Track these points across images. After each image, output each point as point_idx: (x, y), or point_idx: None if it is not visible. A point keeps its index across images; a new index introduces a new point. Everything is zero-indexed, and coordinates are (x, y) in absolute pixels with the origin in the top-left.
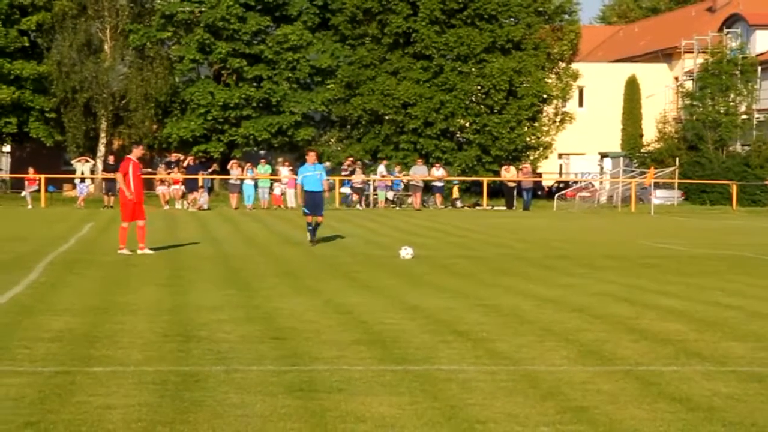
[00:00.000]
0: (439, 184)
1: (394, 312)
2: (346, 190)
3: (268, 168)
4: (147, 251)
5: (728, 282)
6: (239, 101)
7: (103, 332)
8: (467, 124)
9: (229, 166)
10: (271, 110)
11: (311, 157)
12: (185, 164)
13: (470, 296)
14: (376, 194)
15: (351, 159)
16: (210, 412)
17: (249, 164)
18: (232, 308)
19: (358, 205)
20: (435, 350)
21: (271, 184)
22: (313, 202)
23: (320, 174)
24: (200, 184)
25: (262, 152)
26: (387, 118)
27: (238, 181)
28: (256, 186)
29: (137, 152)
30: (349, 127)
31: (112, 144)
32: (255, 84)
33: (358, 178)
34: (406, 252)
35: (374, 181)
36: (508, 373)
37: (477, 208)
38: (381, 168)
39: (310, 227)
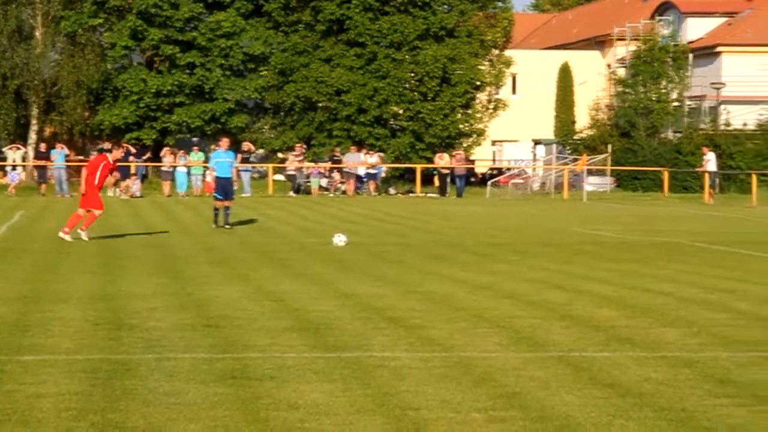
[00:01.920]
0: (373, 171)
1: (327, 299)
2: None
3: (201, 155)
4: (84, 237)
5: (660, 268)
6: (172, 88)
7: (34, 320)
8: (401, 111)
9: (162, 154)
10: (204, 97)
11: (224, 143)
12: (132, 152)
13: (403, 283)
14: (309, 181)
15: (299, 145)
16: (141, 400)
17: (182, 151)
18: (165, 296)
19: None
20: (368, 337)
21: (204, 171)
22: (223, 188)
23: (231, 161)
24: (133, 171)
25: (194, 139)
26: (320, 105)
27: (171, 169)
28: (189, 173)
29: (117, 154)
30: (282, 114)
31: (43, 131)
32: (188, 71)
33: (291, 165)
34: (339, 239)
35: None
36: (441, 359)
37: (410, 195)
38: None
39: (217, 212)
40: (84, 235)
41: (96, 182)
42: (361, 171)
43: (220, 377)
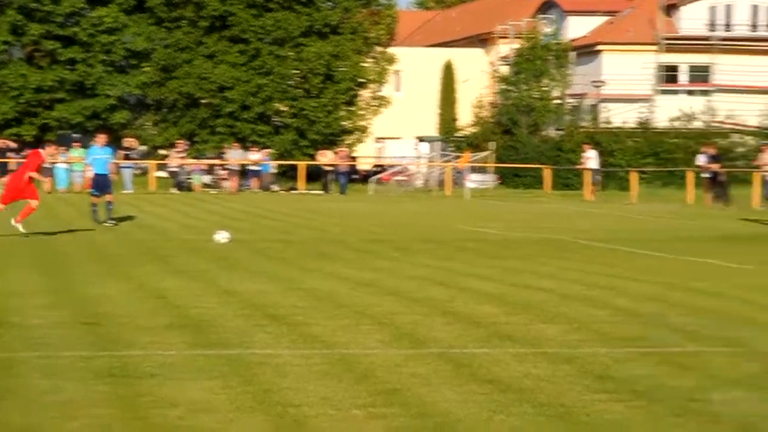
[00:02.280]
0: (256, 167)
1: (209, 296)
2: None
3: (81, 152)
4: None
5: (541, 265)
6: (53, 84)
7: None
8: (284, 108)
9: (45, 151)
10: (85, 93)
11: (101, 139)
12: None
13: (286, 280)
14: (191, 178)
15: (182, 141)
16: (21, 398)
17: (62, 148)
18: (45, 293)
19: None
20: (249, 334)
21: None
22: (100, 184)
23: (108, 158)
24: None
25: (75, 136)
26: (203, 101)
27: (51, 165)
28: (69, 170)
29: (49, 150)
30: (165, 110)
31: None
32: (69, 66)
33: (173, 161)
34: (222, 236)
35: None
36: (322, 356)
37: (293, 192)
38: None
39: (95, 208)
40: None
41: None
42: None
43: (100, 375)
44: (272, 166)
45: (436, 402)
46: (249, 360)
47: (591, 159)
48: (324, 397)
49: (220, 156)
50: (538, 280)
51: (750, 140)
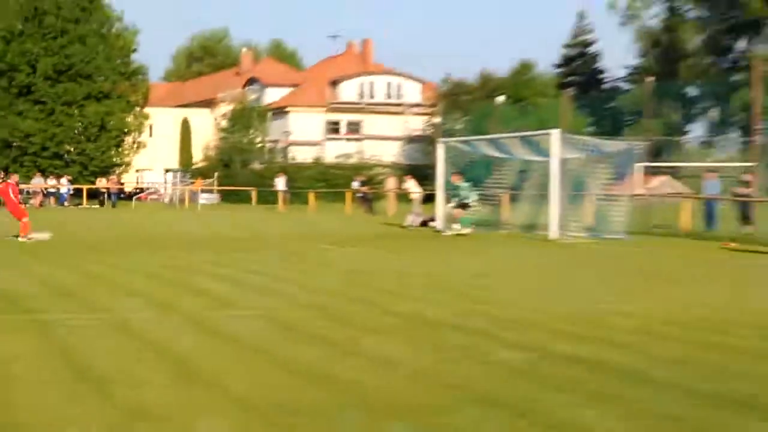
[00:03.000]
0: (53, 190)
1: (21, 278)
2: None
3: None
4: (26, 238)
5: (255, 254)
6: None
7: None
8: (72, 149)
9: None
10: None
11: None
12: None
13: (70, 266)
14: None
15: None
16: None
17: None
18: None
19: None
20: (47, 303)
21: None
22: None
23: None
24: None
25: None
26: (15, 144)
27: None
28: None
29: (15, 178)
30: None
31: None
32: None
33: None
34: (43, 235)
35: None
36: (101, 319)
37: (79, 206)
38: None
39: None
40: (27, 238)
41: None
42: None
43: None
44: (70, 189)
45: (183, 350)
46: (46, 320)
47: (280, 182)
48: (104, 348)
49: (27, 182)
50: (252, 264)
51: (387, 171)
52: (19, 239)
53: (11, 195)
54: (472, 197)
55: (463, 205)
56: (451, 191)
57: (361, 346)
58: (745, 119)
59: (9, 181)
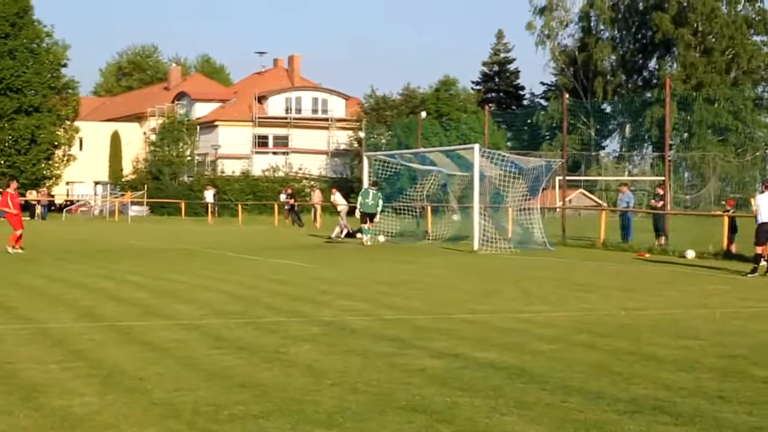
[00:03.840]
0: None
1: None
2: None
3: None
4: (19, 251)
5: (180, 265)
6: None
7: None
8: (2, 162)
9: None
10: None
11: None
12: None
13: (1, 278)
14: None
15: None
16: None
17: None
18: None
19: None
20: None
21: None
22: None
23: None
24: None
25: None
26: None
27: None
28: None
29: (14, 186)
30: None
31: None
32: None
33: None
34: None
35: None
36: (30, 329)
37: None
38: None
39: None
40: (19, 250)
41: (13, 209)
42: None
43: None
44: None
45: (108, 358)
46: None
47: (210, 195)
48: (30, 356)
49: None
50: (176, 275)
51: (314, 183)
52: (9, 250)
53: (10, 204)
54: (379, 207)
55: (372, 216)
56: (360, 199)
57: (285, 354)
58: (657, 135)
59: (8, 190)
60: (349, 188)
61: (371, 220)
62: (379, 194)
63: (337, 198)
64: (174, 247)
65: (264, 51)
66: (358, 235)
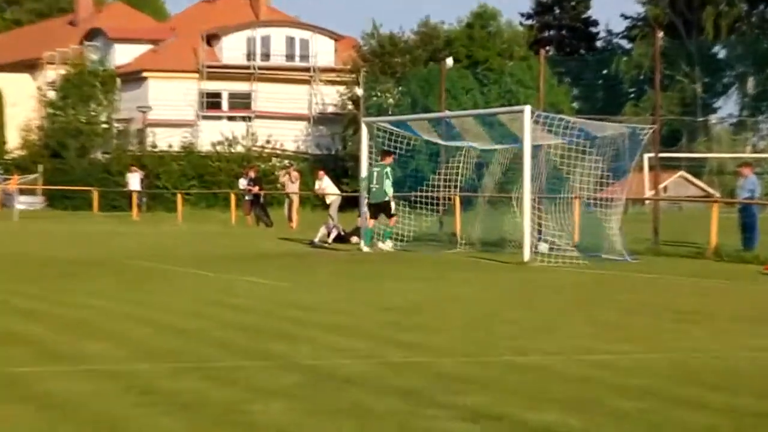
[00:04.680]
0: None
1: None
2: None
3: None
4: None
5: (89, 283)
6: None
7: None
8: None
9: None
10: None
11: None
12: None
13: None
14: None
15: None
16: None
17: None
18: None
19: None
20: None
21: None
22: None
23: None
24: None
25: None
26: None
27: None
28: None
29: None
30: None
31: None
32: None
33: None
34: None
35: None
36: None
37: None
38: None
39: None
40: None
41: None
42: None
43: None
44: None
45: None
46: None
47: (135, 181)
48: None
49: None
50: (86, 298)
51: (288, 163)
52: None
53: None
54: (389, 192)
55: (383, 208)
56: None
57: (245, 414)
58: None
59: None
60: (341, 170)
61: (387, 215)
62: (387, 171)
63: (326, 184)
64: (82, 256)
65: None
66: (354, 239)
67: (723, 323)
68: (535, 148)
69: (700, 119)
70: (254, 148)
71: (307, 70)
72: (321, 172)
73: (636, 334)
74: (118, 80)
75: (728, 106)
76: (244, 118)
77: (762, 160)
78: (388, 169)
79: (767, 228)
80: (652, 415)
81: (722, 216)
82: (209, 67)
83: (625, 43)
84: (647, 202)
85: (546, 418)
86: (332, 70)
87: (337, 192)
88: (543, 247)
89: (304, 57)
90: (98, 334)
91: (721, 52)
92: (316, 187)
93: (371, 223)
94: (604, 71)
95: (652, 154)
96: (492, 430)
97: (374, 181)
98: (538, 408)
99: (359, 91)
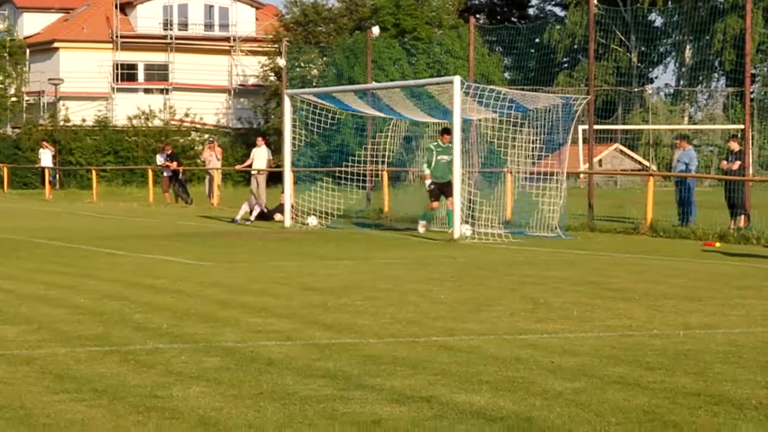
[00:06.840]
0: None
1: None
2: None
3: None
4: None
5: (3, 264)
6: None
7: None
8: None
9: None
10: None
11: None
12: None
13: None
14: None
15: None
16: None
17: None
18: None
19: None
20: None
21: None
22: None
23: None
24: None
25: None
26: None
27: None
28: None
29: None
30: None
31: None
32: None
33: None
34: None
35: None
36: None
37: None
38: None
39: None
40: None
41: None
42: None
43: None
44: None
45: None
46: None
47: (46, 157)
48: None
49: None
50: None
51: (209, 138)
52: None
53: None
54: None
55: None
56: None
57: (164, 399)
58: (733, 61)
59: None
60: (266, 144)
61: (446, 195)
62: (431, 147)
63: (262, 154)
64: None
65: None
66: (277, 216)
67: (658, 300)
68: (466, 122)
69: (636, 89)
70: (172, 122)
71: (227, 39)
72: (261, 140)
73: (569, 313)
74: (28, 51)
75: (665, 76)
76: (161, 91)
77: (699, 132)
78: (432, 146)
79: (707, 202)
80: (586, 395)
81: (659, 190)
82: (124, 37)
83: (559, 11)
84: (582, 176)
85: (476, 399)
86: (253, 39)
87: (268, 157)
88: (465, 228)
89: (224, 26)
90: (10, 318)
91: (657, 20)
92: (252, 158)
93: (436, 204)
94: (537, 40)
95: (586, 127)
96: (420, 413)
97: (434, 157)
98: (469, 389)
99: (281, 61)
